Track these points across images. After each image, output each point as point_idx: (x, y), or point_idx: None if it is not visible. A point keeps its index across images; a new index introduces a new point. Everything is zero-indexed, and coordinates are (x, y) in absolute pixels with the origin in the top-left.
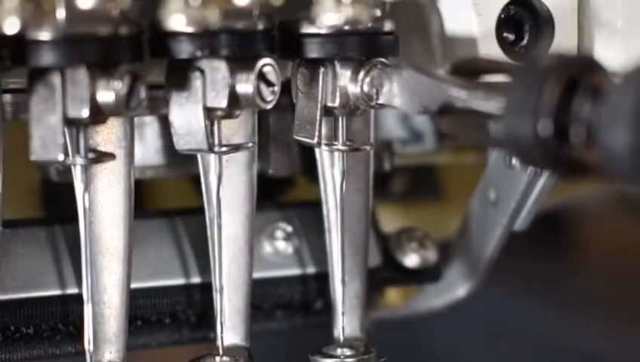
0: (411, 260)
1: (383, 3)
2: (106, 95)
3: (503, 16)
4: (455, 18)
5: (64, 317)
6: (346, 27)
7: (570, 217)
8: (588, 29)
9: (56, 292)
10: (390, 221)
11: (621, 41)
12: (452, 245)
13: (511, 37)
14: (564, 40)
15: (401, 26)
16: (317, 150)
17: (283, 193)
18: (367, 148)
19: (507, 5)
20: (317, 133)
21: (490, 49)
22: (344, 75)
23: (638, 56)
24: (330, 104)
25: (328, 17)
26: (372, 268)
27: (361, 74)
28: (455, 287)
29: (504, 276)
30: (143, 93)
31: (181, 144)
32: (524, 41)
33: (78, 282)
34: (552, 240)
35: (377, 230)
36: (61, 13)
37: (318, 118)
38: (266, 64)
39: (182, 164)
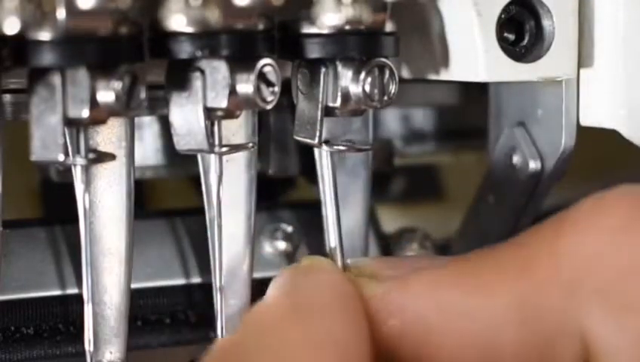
0: None
1: (383, 3)
2: (106, 95)
3: (503, 16)
4: (455, 18)
5: (64, 317)
6: (347, 27)
7: None
8: (588, 29)
9: (57, 292)
10: (390, 221)
11: (622, 41)
12: (452, 245)
13: (511, 37)
14: (564, 40)
15: (402, 26)
16: (316, 150)
17: (283, 193)
18: (368, 148)
19: (507, 5)
20: (318, 134)
21: (490, 49)
22: (345, 75)
23: (638, 57)
24: (331, 104)
25: (329, 17)
26: None
27: (363, 74)
28: None
29: None
30: (142, 93)
31: (181, 144)
32: (525, 41)
33: (79, 282)
34: None
35: (378, 230)
36: (61, 14)
37: (318, 118)
38: (267, 64)
39: (182, 164)
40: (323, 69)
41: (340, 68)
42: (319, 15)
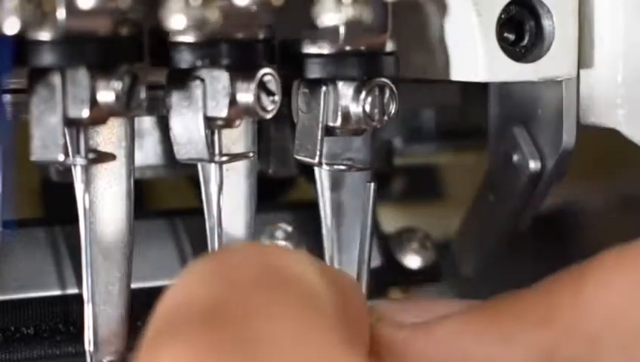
0: (412, 261)
1: (384, 4)
2: (106, 95)
3: (503, 16)
4: (455, 18)
5: (64, 317)
6: (348, 47)
7: (571, 217)
8: (588, 30)
9: (57, 292)
10: (390, 221)
11: (622, 42)
12: (452, 245)
13: (511, 37)
14: (564, 40)
15: (402, 26)
16: (316, 169)
17: (283, 193)
18: (368, 168)
19: (507, 5)
20: (318, 153)
21: (490, 49)
22: (346, 94)
23: (638, 57)
24: (331, 124)
25: (329, 17)
26: (372, 268)
27: (363, 94)
28: (455, 288)
29: (504, 276)
30: (142, 93)
31: (181, 153)
32: (525, 41)
33: (79, 282)
34: (552, 240)
35: (378, 230)
36: (61, 14)
37: (319, 137)
38: (267, 73)
39: (182, 165)
40: (323, 89)
41: (340, 87)
42: (319, 14)
